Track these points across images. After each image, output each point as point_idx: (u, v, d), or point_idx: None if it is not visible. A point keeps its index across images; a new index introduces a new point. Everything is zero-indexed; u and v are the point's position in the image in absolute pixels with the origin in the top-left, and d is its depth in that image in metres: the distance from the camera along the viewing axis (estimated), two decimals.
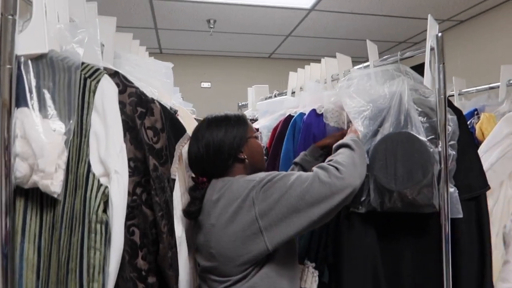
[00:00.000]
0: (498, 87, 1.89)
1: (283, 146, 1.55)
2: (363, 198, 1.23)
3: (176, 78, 1.38)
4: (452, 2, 3.09)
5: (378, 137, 1.22)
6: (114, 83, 0.86)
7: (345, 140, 1.14)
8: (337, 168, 0.97)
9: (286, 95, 2.13)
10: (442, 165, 1.17)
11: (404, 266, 1.22)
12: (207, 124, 1.09)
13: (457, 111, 1.27)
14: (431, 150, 1.16)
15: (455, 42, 3.58)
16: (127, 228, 0.82)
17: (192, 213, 1.03)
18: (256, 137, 1.14)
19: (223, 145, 1.05)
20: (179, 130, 1.09)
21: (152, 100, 0.90)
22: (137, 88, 0.90)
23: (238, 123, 1.09)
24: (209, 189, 1.04)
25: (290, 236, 0.93)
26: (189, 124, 1.53)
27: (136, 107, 0.86)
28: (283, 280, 0.99)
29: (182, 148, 1.12)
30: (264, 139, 1.74)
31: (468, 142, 1.28)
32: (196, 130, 1.11)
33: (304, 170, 1.29)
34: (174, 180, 1.03)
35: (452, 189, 1.20)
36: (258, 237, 0.92)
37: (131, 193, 0.83)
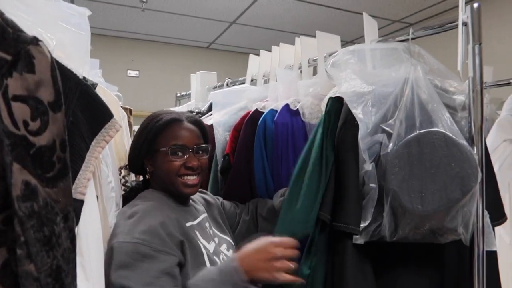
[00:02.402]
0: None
1: (254, 156, 1.16)
2: (366, 223, 0.87)
3: None
4: (407, 2, 2.97)
5: (380, 135, 0.89)
6: None
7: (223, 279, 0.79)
8: None
9: (241, 84, 1.71)
10: (478, 181, 0.87)
11: None
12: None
13: None
14: (475, 158, 0.83)
15: None
16: None
17: None
18: (166, 153, 0.90)
19: (131, 149, 0.97)
20: (99, 113, 0.66)
21: (34, 41, 0.42)
22: None
23: (149, 128, 0.93)
24: None
25: None
26: (115, 114, 1.09)
27: None
28: None
29: (107, 145, 0.70)
30: (221, 139, 1.29)
31: (485, 154, 0.99)
32: None
33: None
34: (80, 202, 0.57)
35: (485, 212, 0.91)
36: None
37: None
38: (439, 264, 0.97)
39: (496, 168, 1.50)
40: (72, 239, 0.43)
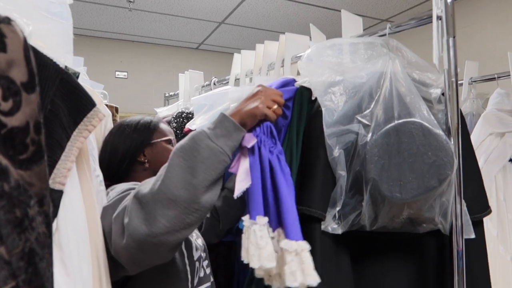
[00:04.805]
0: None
1: None
2: (336, 209, 0.88)
3: (84, 64, 1.22)
4: (394, 1, 3.01)
5: (355, 125, 0.90)
6: None
7: (189, 137, 0.73)
8: (130, 213, 0.69)
9: (228, 83, 1.72)
10: (455, 169, 0.89)
11: None
12: (114, 127, 1.06)
13: None
14: (451, 147, 0.86)
15: None
16: None
17: None
18: (169, 141, 1.05)
19: (119, 146, 1.00)
20: (81, 102, 0.65)
21: (6, 20, 0.42)
22: None
23: (142, 127, 1.03)
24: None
25: None
26: None
27: None
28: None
29: (90, 135, 0.69)
30: None
31: (467, 147, 1.01)
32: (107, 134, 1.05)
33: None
34: (59, 193, 0.57)
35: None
36: None
37: None
38: (421, 253, 0.98)
39: (482, 161, 1.52)
40: (48, 224, 0.43)
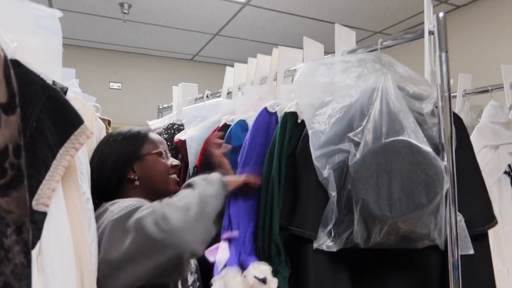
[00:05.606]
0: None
1: None
2: (327, 229, 0.88)
3: (78, 75, 1.22)
4: (388, 14, 3.04)
5: (346, 144, 0.91)
6: None
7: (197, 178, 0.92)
8: (165, 218, 0.74)
9: (220, 96, 1.71)
10: (448, 185, 0.88)
11: None
12: (102, 140, 1.00)
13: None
14: (440, 164, 0.85)
15: None
16: None
17: None
18: (160, 154, 0.98)
19: (106, 161, 0.94)
20: (68, 119, 0.64)
21: None
22: None
23: (130, 138, 0.97)
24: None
25: None
26: (91, 125, 1.05)
27: None
28: None
29: (77, 152, 0.67)
30: (195, 154, 1.30)
31: (469, 158, 1.00)
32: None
33: None
34: (43, 215, 0.56)
35: (459, 217, 0.91)
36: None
37: None
38: (420, 268, 0.97)
39: None
40: (27, 253, 0.41)
